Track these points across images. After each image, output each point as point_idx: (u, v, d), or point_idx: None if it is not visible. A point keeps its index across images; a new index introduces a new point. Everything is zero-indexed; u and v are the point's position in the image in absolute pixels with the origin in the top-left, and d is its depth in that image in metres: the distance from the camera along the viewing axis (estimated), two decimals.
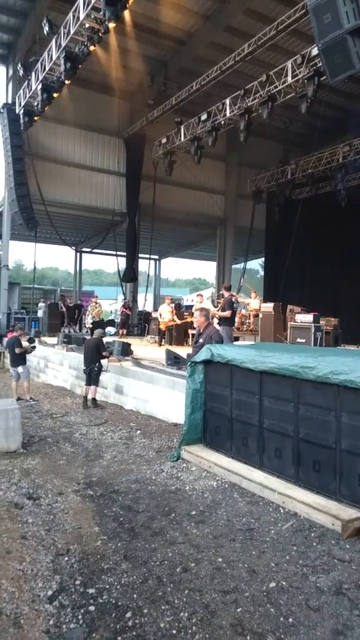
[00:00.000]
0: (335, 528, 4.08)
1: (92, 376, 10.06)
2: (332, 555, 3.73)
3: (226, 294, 10.82)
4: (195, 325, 7.42)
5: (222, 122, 16.09)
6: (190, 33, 17.48)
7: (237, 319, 14.71)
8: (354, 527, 4.05)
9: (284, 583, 3.37)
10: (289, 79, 13.40)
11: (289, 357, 5.00)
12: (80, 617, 3.03)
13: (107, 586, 3.35)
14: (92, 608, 3.12)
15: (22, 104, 16.66)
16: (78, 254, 29.09)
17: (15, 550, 3.84)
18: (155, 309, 20.01)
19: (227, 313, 10.16)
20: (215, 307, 13.31)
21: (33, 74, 15.28)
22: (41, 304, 21.92)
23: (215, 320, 10.00)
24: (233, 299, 10.90)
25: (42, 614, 3.08)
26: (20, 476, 5.61)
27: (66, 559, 3.72)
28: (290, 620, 2.99)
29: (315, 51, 11.44)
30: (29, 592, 3.29)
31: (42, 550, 3.85)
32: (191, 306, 19.48)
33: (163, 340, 15.60)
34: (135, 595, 3.24)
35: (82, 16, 11.80)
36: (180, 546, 3.91)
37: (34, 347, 11.57)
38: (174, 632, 2.90)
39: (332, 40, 7.35)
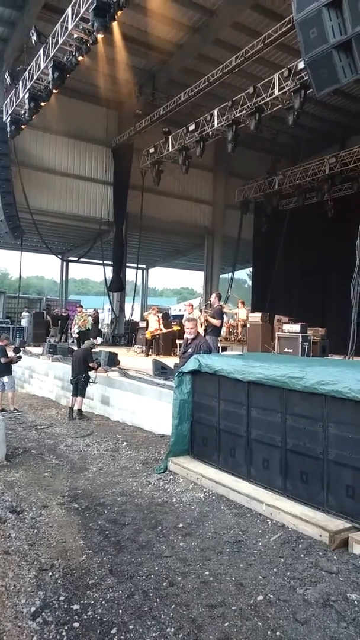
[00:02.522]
0: (322, 539, 4.06)
1: (79, 387, 9.97)
2: (320, 567, 3.70)
3: (216, 303, 10.80)
4: (187, 335, 7.37)
5: (210, 132, 16.20)
6: (179, 45, 17.60)
7: (224, 329, 14.72)
8: (342, 539, 4.03)
9: (271, 596, 3.34)
10: (276, 91, 13.56)
11: (276, 368, 4.99)
12: (64, 633, 2.96)
13: (92, 602, 3.29)
14: (76, 624, 3.05)
15: (9, 112, 16.61)
16: (64, 262, 28.88)
17: None
18: (143, 319, 19.93)
19: (218, 322, 10.14)
20: None
21: (20, 82, 15.25)
22: (25, 314, 21.71)
23: (201, 329, 9.97)
24: (223, 310, 10.90)
25: (25, 630, 3.00)
26: (3, 489, 5.51)
27: (50, 574, 3.64)
28: (278, 633, 2.95)
29: (301, 65, 11.60)
30: (12, 609, 3.21)
31: (25, 566, 3.77)
32: (179, 316, 19.42)
33: (150, 350, 15.54)
34: (120, 611, 3.18)
35: (70, 26, 11.83)
36: (167, 560, 3.86)
37: (20, 357, 11.45)
38: None
39: (318, 55, 7.42)
